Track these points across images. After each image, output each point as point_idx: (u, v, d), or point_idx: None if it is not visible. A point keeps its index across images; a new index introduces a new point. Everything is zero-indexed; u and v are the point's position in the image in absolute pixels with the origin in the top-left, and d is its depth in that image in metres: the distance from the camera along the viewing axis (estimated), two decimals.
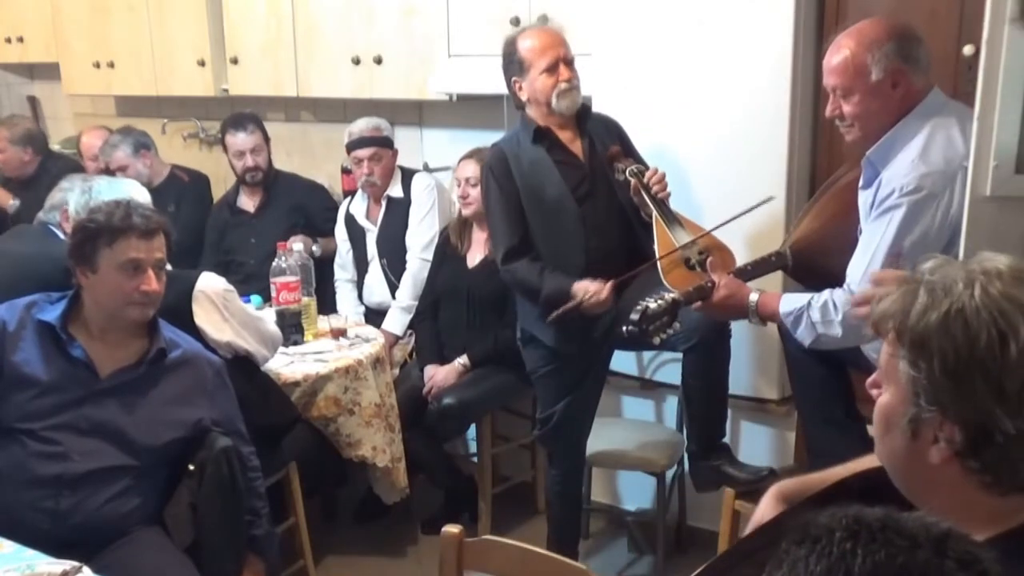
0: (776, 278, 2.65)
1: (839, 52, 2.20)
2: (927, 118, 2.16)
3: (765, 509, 1.42)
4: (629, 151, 2.84)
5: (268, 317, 2.99)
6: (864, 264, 2.16)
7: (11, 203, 4.34)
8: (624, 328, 2.23)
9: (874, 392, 1.17)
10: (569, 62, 2.73)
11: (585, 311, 2.61)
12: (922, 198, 2.09)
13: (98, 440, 2.15)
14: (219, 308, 2.54)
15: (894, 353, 1.09)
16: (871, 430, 1.20)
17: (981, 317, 1.02)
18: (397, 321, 3.62)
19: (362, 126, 3.64)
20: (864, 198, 2.25)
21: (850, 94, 2.19)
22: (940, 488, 1.09)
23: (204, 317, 2.51)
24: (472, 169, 3.27)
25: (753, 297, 2.33)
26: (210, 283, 2.56)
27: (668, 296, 2.25)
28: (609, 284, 2.59)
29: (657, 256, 2.59)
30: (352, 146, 3.66)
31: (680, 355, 2.75)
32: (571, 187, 2.75)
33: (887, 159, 2.18)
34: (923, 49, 2.20)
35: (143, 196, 2.76)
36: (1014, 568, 1.00)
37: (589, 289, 2.60)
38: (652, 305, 2.22)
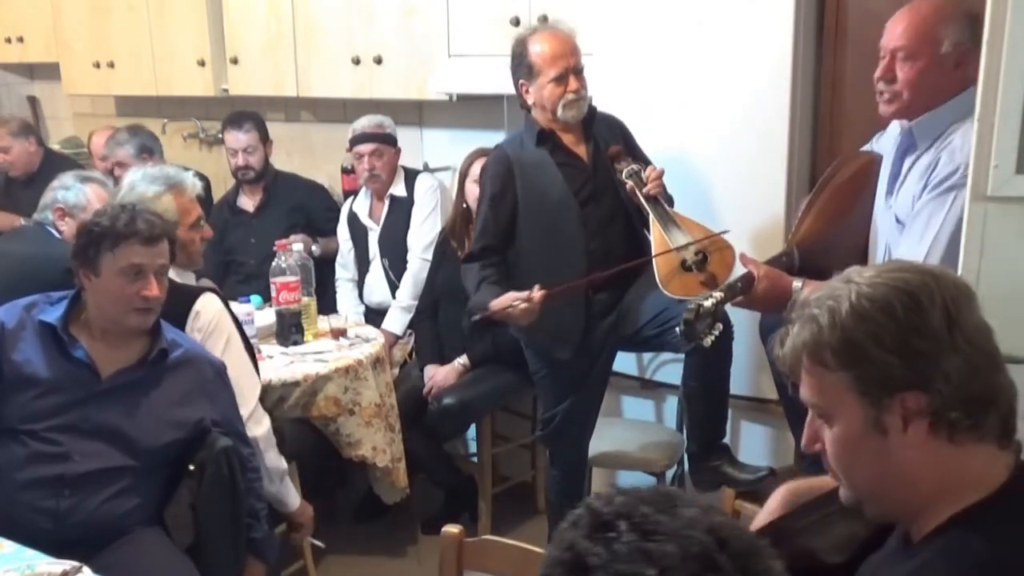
0: None
1: (915, 15, 2.12)
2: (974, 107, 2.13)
3: (773, 507, 1.42)
4: (632, 150, 2.84)
5: (254, 383, 2.60)
6: (926, 246, 2.08)
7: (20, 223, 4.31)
8: (677, 329, 2.15)
9: (818, 447, 1.19)
10: (579, 71, 2.72)
11: (511, 320, 2.60)
12: None
13: (99, 441, 2.15)
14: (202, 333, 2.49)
15: (821, 377, 1.14)
16: None
17: (879, 292, 1.10)
18: (397, 321, 3.63)
19: (365, 123, 3.66)
20: (907, 166, 2.19)
21: (913, 58, 2.12)
22: (924, 474, 1.12)
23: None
24: None
25: (797, 284, 2.23)
26: (207, 306, 2.50)
27: (716, 294, 2.18)
28: (540, 294, 2.55)
29: (652, 253, 2.58)
30: (355, 141, 3.67)
31: (681, 356, 2.75)
32: (574, 190, 2.75)
33: (933, 135, 2.13)
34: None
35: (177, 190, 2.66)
36: (1005, 531, 1.06)
37: (519, 296, 2.57)
38: (706, 303, 2.13)
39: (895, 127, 2.32)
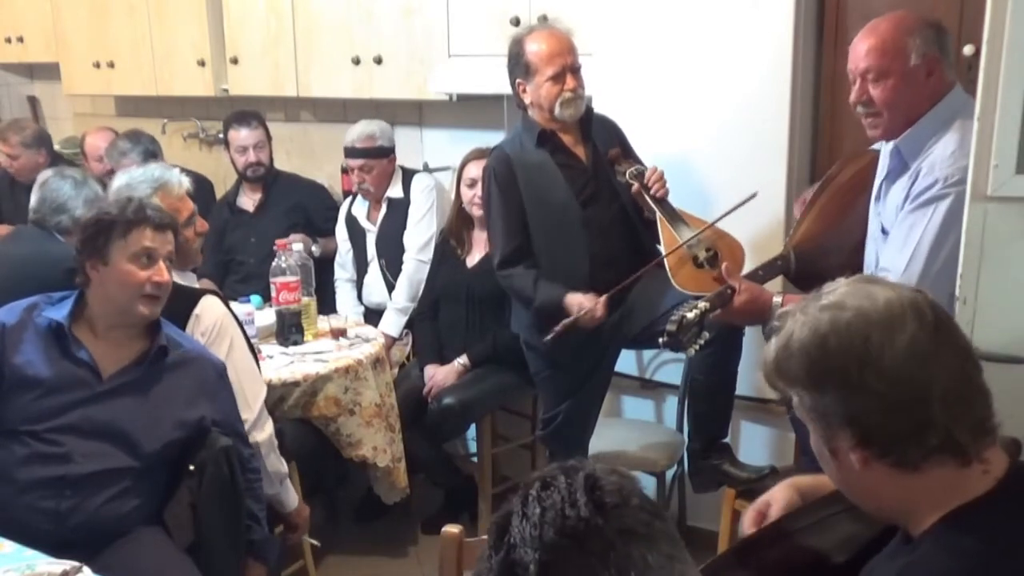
0: (774, 284, 2.65)
1: (875, 35, 2.13)
2: (955, 113, 2.11)
3: (776, 494, 1.42)
4: (628, 152, 2.84)
5: (259, 387, 2.58)
6: (907, 256, 2.09)
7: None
8: (660, 340, 2.18)
9: None
10: (576, 70, 2.72)
11: (580, 327, 2.61)
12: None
13: (100, 441, 2.15)
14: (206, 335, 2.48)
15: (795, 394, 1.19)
16: None
17: (806, 331, 1.14)
18: (392, 323, 3.62)
19: (356, 135, 3.63)
20: (894, 189, 2.20)
21: (884, 77, 2.12)
22: (884, 496, 1.16)
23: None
24: (480, 170, 3.26)
25: (777, 299, 2.26)
26: (208, 310, 2.48)
27: (701, 305, 2.19)
28: (602, 300, 2.59)
29: (663, 254, 2.57)
30: (346, 153, 3.68)
31: (682, 356, 2.74)
32: (575, 191, 2.74)
33: (918, 150, 2.14)
34: (951, 44, 2.17)
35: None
36: (998, 529, 1.08)
37: (584, 305, 2.60)
38: (688, 315, 2.14)
39: None
